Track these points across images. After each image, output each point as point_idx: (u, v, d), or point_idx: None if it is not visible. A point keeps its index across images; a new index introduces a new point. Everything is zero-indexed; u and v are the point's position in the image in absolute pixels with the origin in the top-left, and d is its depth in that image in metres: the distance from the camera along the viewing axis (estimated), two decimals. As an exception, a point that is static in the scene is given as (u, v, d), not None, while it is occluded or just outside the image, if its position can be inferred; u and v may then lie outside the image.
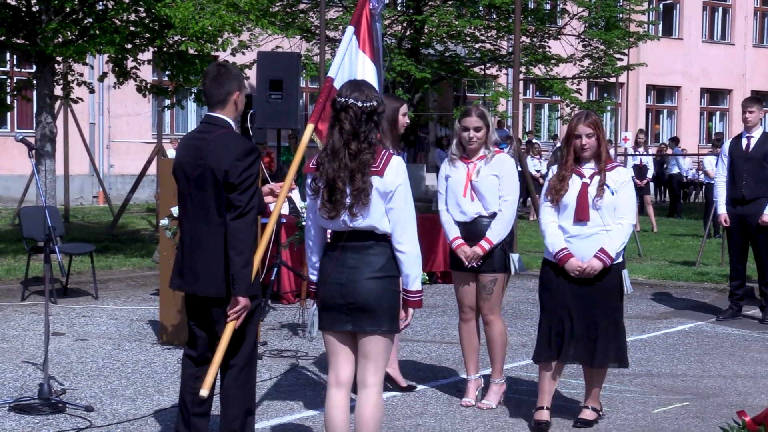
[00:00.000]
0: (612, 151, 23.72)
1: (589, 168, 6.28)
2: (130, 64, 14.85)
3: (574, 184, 6.25)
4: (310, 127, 5.90)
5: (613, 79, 26.40)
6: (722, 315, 10.65)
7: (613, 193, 6.17)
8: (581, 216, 6.18)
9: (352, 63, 6.20)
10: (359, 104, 4.82)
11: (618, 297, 6.34)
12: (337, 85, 5.96)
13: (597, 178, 6.22)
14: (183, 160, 5.37)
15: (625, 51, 23.77)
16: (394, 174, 4.80)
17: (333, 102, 4.93)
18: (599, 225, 6.19)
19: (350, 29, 6.24)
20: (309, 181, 4.94)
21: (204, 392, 5.17)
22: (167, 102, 16.64)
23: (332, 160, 4.81)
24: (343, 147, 4.80)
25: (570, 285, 6.25)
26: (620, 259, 6.28)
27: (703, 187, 21.42)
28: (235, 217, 5.12)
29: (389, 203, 4.80)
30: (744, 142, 10.37)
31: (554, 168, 6.41)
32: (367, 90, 4.90)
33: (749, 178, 10.24)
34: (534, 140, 28.07)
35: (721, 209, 10.39)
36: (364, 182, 4.76)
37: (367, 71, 6.22)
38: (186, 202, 5.36)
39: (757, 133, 10.33)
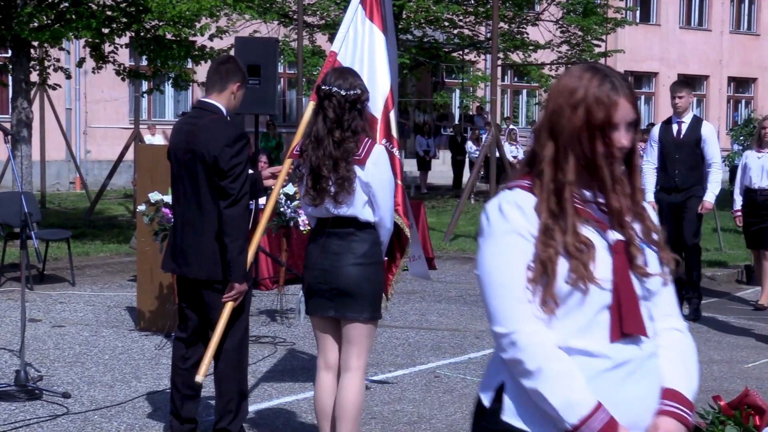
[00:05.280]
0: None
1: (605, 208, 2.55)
2: (107, 48, 14.76)
3: (596, 245, 2.48)
4: (311, 104, 5.78)
5: (590, 65, 26.38)
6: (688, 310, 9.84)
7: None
8: (632, 327, 2.48)
9: (357, 34, 5.91)
10: (342, 92, 4.81)
11: None
12: (342, 58, 5.82)
13: (631, 228, 2.55)
14: (175, 144, 5.43)
15: (603, 37, 23.81)
16: (375, 163, 4.81)
17: (317, 89, 4.91)
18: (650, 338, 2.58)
19: (355, 0, 5.96)
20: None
21: (200, 378, 5.24)
22: (145, 87, 16.55)
23: (316, 147, 4.82)
24: (327, 135, 4.80)
25: None
26: None
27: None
28: (229, 204, 5.17)
29: (371, 191, 4.82)
30: (675, 128, 9.72)
31: (507, 198, 2.51)
32: (351, 78, 4.89)
33: (681, 166, 9.62)
34: (512, 126, 28.05)
35: (650, 197, 9.59)
36: (348, 170, 4.77)
37: (376, 41, 5.90)
38: (178, 186, 5.42)
39: (687, 118, 9.70)
